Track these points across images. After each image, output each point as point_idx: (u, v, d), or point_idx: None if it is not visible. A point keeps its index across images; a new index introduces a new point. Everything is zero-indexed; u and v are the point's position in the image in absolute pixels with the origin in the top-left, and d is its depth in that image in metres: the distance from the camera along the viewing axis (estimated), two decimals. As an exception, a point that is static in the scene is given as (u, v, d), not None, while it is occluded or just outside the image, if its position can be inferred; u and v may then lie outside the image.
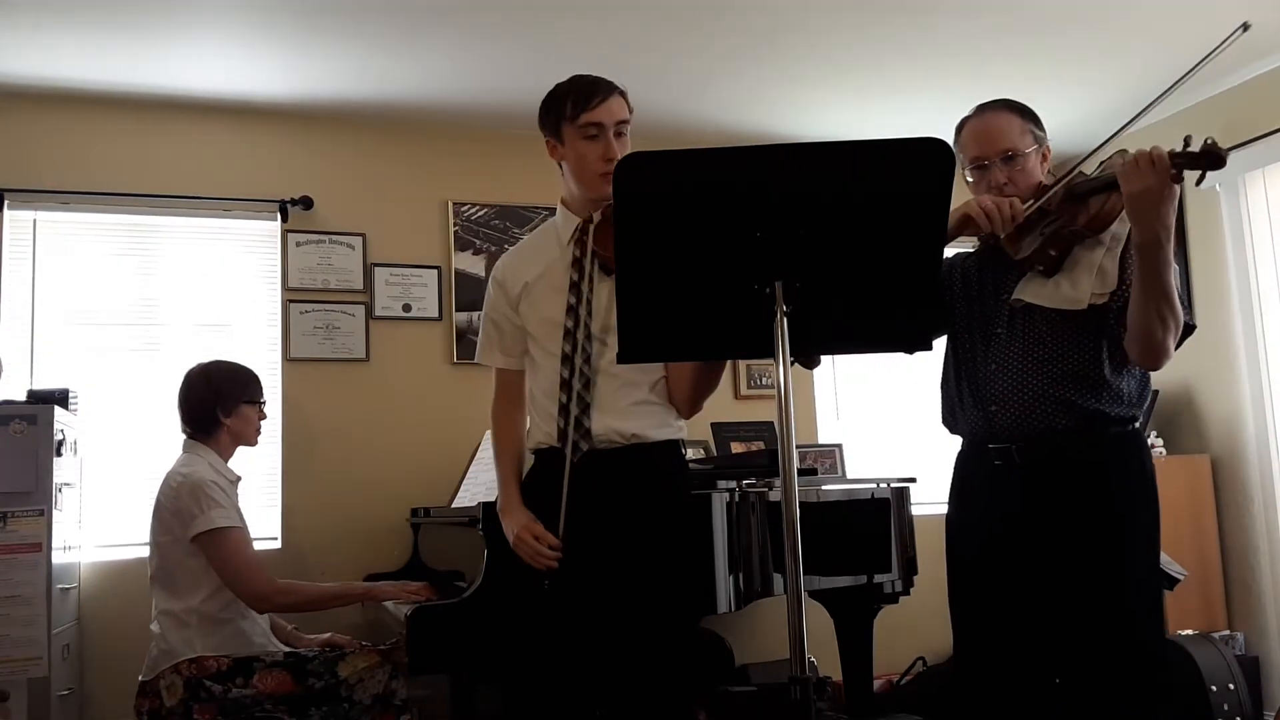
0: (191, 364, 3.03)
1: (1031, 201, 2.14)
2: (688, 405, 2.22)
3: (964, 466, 2.33)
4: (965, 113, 2.30)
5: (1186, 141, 1.89)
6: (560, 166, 2.23)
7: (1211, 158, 1.87)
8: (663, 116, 4.21)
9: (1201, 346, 4.32)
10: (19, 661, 2.99)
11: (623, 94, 2.17)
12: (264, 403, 3.06)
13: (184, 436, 2.96)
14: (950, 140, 1.55)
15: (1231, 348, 4.18)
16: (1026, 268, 2.17)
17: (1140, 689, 2.06)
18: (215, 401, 2.92)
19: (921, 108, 4.20)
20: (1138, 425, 2.19)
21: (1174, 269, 1.98)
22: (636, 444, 2.14)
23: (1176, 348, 2.05)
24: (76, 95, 3.79)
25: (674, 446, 2.21)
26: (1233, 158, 1.93)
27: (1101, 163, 2.10)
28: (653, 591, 2.10)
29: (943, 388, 2.37)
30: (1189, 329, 2.08)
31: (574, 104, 2.13)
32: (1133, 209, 1.92)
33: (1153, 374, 2.21)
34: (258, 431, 3.04)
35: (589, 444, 2.11)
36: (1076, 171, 2.14)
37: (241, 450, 3.03)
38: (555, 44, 3.56)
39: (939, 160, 1.57)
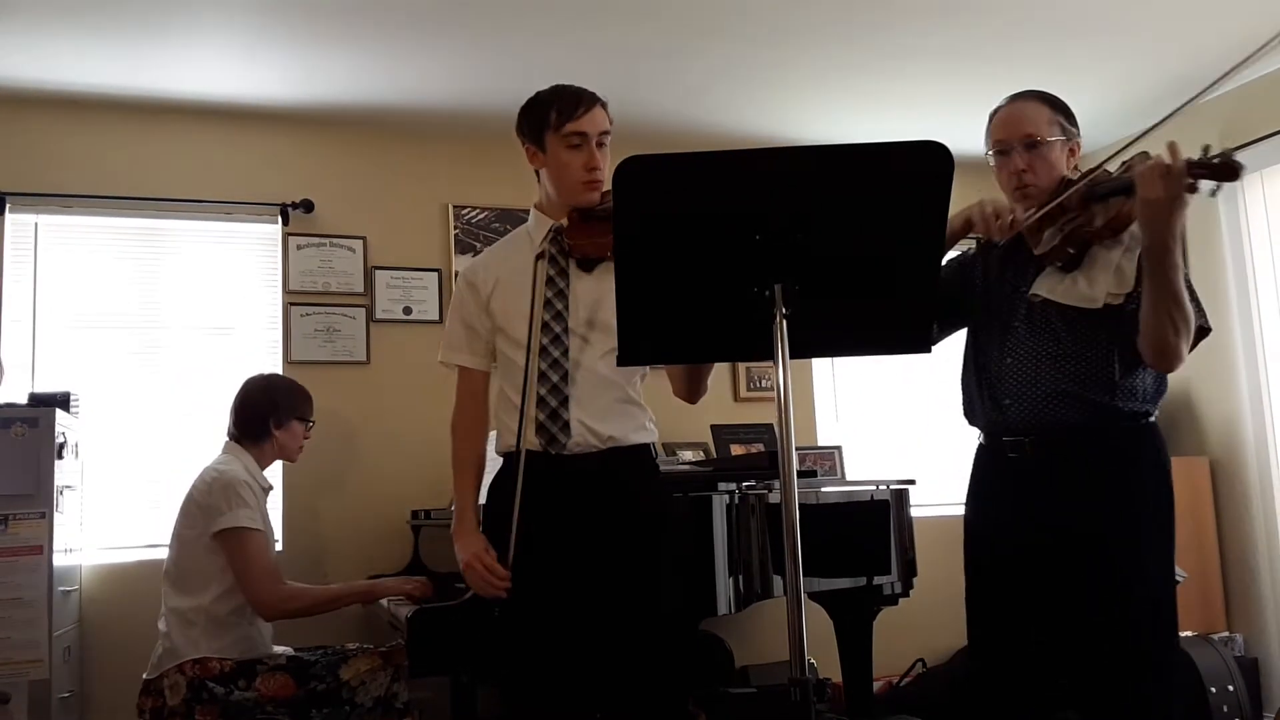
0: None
1: (1045, 202, 2.14)
2: (689, 396, 2.22)
3: (981, 460, 2.32)
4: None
5: (1205, 150, 1.89)
6: (538, 174, 2.25)
7: (1227, 170, 1.88)
8: (662, 120, 4.21)
9: (1200, 349, 4.24)
10: (20, 664, 2.99)
11: (604, 105, 2.19)
12: (313, 423, 3.17)
13: (226, 438, 3.03)
14: (949, 145, 1.55)
15: (1230, 350, 4.18)
16: (1046, 263, 2.17)
17: (1143, 695, 2.05)
18: (270, 412, 3.02)
19: (922, 112, 4.20)
20: (1153, 419, 2.19)
21: (1184, 272, 1.98)
22: (613, 448, 2.13)
23: (1191, 350, 2.06)
24: (78, 99, 3.79)
25: (647, 450, 2.22)
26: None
27: (1124, 163, 2.10)
28: (643, 597, 2.10)
29: (961, 379, 2.37)
30: (1204, 332, 2.08)
31: (559, 113, 2.14)
32: (1144, 215, 1.93)
33: (1157, 376, 2.21)
34: (300, 449, 3.14)
35: (567, 437, 2.10)
36: (1101, 170, 2.14)
37: None
38: (556, 49, 3.56)
39: (938, 164, 1.57)
